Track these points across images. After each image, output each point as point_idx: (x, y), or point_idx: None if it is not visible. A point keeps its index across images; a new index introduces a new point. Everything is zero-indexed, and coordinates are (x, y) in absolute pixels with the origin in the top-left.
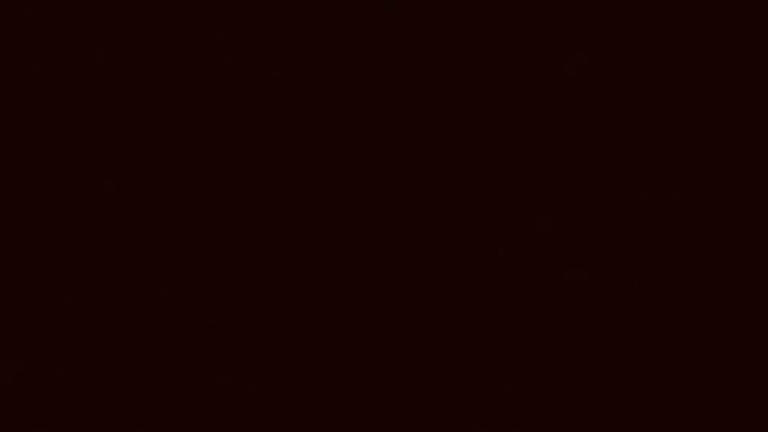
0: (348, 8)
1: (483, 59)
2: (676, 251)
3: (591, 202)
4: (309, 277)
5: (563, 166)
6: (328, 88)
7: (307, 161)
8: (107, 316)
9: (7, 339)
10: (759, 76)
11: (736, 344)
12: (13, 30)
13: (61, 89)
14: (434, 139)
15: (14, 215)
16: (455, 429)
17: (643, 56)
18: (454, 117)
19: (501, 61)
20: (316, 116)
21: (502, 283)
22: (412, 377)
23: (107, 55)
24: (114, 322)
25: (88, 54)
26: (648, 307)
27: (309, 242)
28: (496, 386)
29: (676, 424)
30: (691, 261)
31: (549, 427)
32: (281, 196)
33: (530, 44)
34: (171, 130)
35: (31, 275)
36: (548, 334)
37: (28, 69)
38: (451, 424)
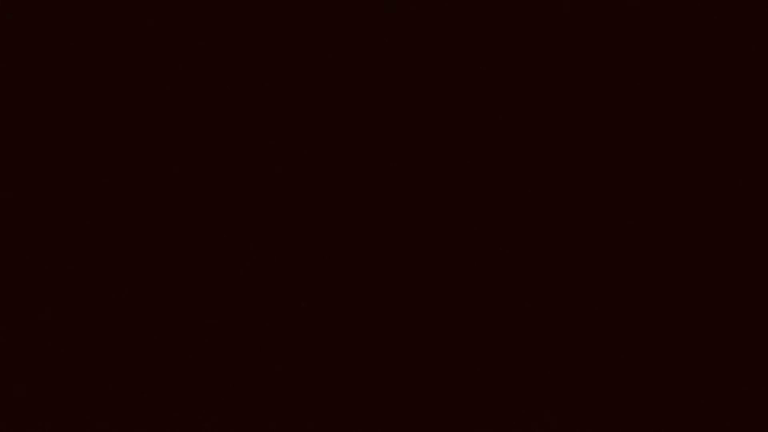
0: (348, 8)
1: (483, 59)
2: (675, 251)
3: (591, 201)
4: (309, 277)
5: (563, 166)
6: (328, 88)
7: (307, 161)
8: (107, 316)
9: (8, 339)
10: (759, 76)
11: (736, 344)
12: (13, 30)
13: (62, 89)
14: (434, 139)
15: (14, 215)
16: (455, 429)
17: (643, 56)
18: (454, 117)
19: (501, 61)
20: (316, 116)
21: (502, 282)
22: (412, 377)
23: (107, 55)
24: (114, 322)
25: (88, 54)
26: (648, 307)
27: (309, 242)
28: (496, 386)
29: (676, 424)
30: (690, 261)
31: (549, 427)
32: (281, 196)
33: (530, 44)
34: (171, 130)
35: (31, 275)
36: (548, 333)
37: (28, 69)
38: (451, 424)
